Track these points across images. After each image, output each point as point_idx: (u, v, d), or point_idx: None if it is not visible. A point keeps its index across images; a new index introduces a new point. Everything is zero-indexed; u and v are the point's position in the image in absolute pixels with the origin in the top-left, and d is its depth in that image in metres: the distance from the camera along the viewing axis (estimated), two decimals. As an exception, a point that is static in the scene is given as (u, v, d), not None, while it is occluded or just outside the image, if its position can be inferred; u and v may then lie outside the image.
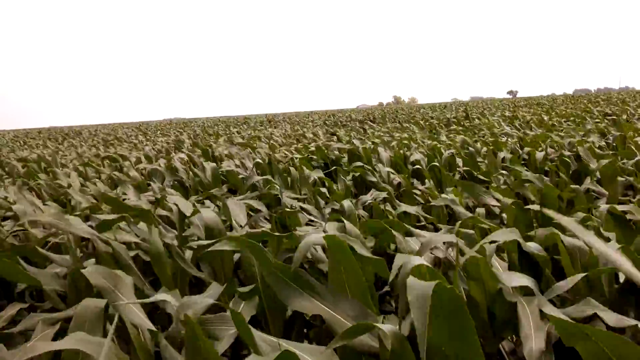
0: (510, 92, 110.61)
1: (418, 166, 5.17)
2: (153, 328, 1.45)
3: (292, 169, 4.93)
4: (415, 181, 4.76)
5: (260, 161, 5.86)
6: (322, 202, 3.66)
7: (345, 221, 2.04)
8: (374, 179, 4.75)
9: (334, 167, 5.51)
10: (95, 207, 3.08)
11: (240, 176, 5.14)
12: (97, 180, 5.56)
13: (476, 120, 13.85)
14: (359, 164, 5.31)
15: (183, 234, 2.18)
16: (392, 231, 1.99)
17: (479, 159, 5.51)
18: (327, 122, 19.70)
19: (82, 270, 1.65)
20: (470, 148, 6.01)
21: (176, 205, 2.19)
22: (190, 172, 5.42)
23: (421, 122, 14.63)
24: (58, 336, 1.95)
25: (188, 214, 2.11)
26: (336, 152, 6.42)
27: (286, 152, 7.44)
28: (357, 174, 5.09)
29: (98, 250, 2.17)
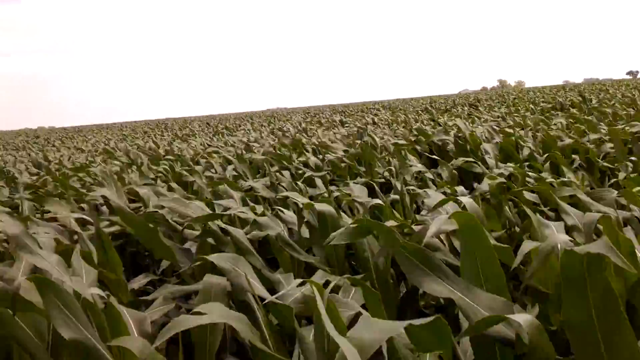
0: (630, 73, 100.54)
1: (530, 154, 4.89)
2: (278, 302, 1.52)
3: (390, 157, 4.90)
4: (528, 170, 4.50)
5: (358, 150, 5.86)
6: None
7: (470, 205, 1.98)
8: (480, 169, 4.56)
9: (438, 155, 5.39)
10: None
11: (343, 164, 5.19)
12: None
13: (594, 103, 12.77)
14: (466, 152, 5.16)
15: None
16: (531, 214, 1.93)
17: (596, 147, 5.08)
18: (428, 108, 19.25)
19: (209, 257, 1.78)
20: (590, 134, 5.56)
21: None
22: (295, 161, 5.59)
23: (531, 106, 13.80)
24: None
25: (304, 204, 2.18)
26: (441, 139, 6.26)
27: (389, 139, 7.39)
28: (463, 162, 4.94)
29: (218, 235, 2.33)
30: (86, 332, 1.39)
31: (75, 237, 2.46)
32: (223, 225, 2.34)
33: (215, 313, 1.38)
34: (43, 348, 1.55)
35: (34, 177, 6.22)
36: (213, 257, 1.74)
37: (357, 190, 3.06)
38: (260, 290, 1.64)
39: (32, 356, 1.49)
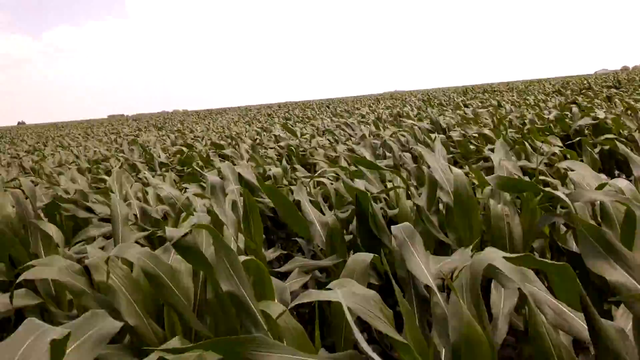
0: None
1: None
2: (431, 282, 1.48)
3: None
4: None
5: (488, 132, 5.64)
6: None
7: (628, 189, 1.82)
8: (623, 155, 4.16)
9: (577, 139, 4.99)
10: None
11: (472, 147, 5.03)
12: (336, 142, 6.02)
13: None
14: (608, 136, 4.72)
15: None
16: None
17: None
18: (562, 90, 17.82)
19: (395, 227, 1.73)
20: None
21: (428, 166, 2.25)
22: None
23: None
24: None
25: (438, 178, 2.13)
26: (579, 123, 5.79)
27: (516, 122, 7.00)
28: (605, 147, 4.54)
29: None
30: (243, 289, 1.50)
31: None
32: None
33: (337, 292, 1.38)
34: (189, 308, 1.71)
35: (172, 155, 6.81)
36: (395, 228, 1.70)
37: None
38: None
39: (180, 315, 1.65)
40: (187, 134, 12.52)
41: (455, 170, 2.01)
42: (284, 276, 2.24)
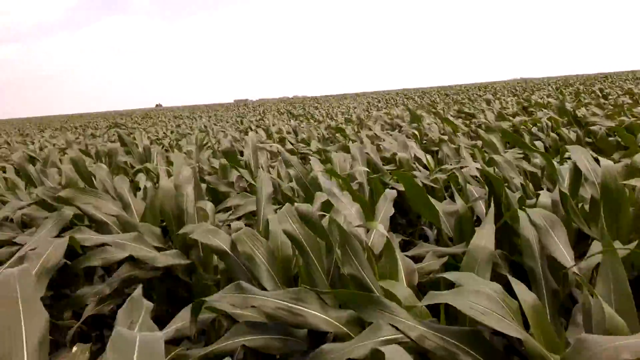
0: None
1: None
2: (577, 271, 1.42)
3: None
4: None
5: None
6: None
7: None
8: None
9: None
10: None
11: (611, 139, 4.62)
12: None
13: None
14: None
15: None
16: None
17: None
18: None
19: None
20: None
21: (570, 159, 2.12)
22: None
23: None
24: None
25: (583, 168, 2.00)
26: None
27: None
28: None
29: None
30: (363, 271, 1.56)
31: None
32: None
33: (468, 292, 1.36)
34: (324, 279, 1.79)
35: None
36: (534, 213, 1.66)
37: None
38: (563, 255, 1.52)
39: (312, 281, 1.74)
40: (309, 119, 12.87)
41: (605, 161, 1.87)
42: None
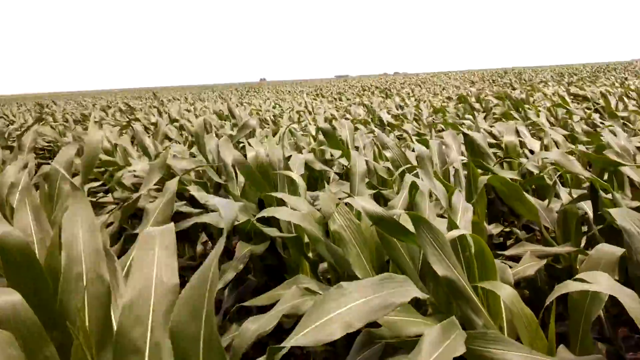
0: None
1: None
2: None
3: None
4: None
5: None
6: None
7: None
8: None
9: None
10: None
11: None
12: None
13: None
14: None
15: None
16: None
17: None
18: None
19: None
20: None
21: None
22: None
23: None
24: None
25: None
26: None
27: None
28: None
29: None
30: (455, 270, 1.45)
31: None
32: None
33: (603, 283, 1.28)
34: (415, 272, 1.73)
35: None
36: (614, 211, 1.57)
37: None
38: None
39: (403, 271, 1.68)
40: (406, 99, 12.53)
41: None
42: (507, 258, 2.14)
